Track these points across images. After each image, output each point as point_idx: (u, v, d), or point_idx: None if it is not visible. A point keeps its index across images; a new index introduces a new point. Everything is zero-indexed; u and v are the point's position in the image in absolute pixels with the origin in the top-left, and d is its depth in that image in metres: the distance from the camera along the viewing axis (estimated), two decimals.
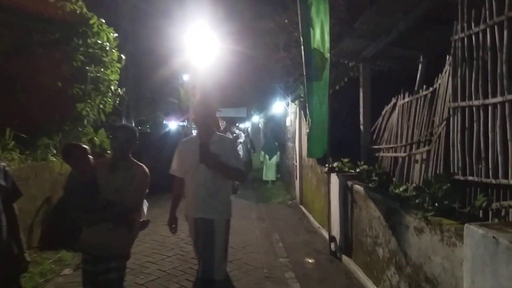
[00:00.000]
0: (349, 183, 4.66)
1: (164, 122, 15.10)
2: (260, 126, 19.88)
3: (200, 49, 11.72)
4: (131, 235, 2.83)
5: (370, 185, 4.84)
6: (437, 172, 4.37)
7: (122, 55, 7.58)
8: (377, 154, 6.08)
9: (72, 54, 6.46)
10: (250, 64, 11.94)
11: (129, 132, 2.87)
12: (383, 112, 6.26)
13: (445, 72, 4.46)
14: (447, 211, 3.00)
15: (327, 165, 5.36)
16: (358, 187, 4.38)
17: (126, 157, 2.83)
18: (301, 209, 7.82)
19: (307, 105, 5.54)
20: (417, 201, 3.23)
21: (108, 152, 8.25)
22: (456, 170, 4.03)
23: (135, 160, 2.89)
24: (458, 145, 3.99)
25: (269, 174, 11.48)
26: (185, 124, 13.85)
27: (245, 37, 10.31)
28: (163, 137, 12.90)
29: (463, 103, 3.94)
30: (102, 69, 6.98)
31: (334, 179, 5.15)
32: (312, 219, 6.84)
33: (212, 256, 3.01)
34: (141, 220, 2.89)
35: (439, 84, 4.62)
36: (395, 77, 6.69)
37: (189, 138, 3.50)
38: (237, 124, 27.65)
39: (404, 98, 5.49)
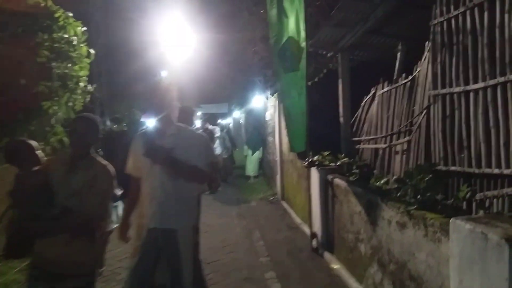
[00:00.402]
0: (330, 177, 4.49)
1: (142, 119, 14.72)
2: (241, 121, 19.62)
3: (177, 44, 11.41)
4: (97, 249, 2.48)
5: (351, 178, 4.69)
6: (418, 163, 4.23)
7: (91, 50, 7.22)
8: (357, 146, 5.93)
9: (36, 50, 6.09)
10: (228, 58, 11.68)
11: (89, 123, 2.45)
12: (363, 103, 6.11)
13: (425, 59, 4.31)
14: (430, 203, 2.85)
15: (307, 159, 5.17)
16: (338, 181, 4.21)
17: (87, 154, 2.45)
18: (283, 205, 7.65)
19: (283, 97, 5.33)
20: (398, 194, 3.06)
21: None
22: (437, 160, 3.89)
23: (98, 158, 2.51)
24: (439, 134, 3.85)
25: (251, 169, 11.30)
26: None
27: (222, 31, 10.03)
28: None
29: (444, 91, 3.79)
30: (69, 65, 6.63)
31: (315, 173, 4.97)
32: (293, 215, 6.66)
33: (180, 270, 2.57)
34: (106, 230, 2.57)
35: (419, 72, 4.47)
36: (375, 68, 6.54)
37: (145, 131, 2.88)
38: (219, 120, 27.31)
39: (383, 87, 5.33)
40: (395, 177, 3.67)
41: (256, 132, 11.53)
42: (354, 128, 6.23)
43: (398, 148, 4.68)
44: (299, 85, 4.89)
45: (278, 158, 8.12)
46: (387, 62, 6.21)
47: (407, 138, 4.49)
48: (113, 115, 11.53)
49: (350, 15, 5.21)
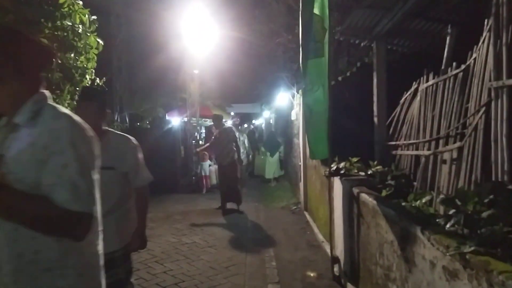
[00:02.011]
0: (355, 190, 3.57)
1: (167, 118, 14.21)
2: (271, 121, 18.77)
3: (200, 37, 10.84)
4: None
5: (383, 192, 3.77)
6: (473, 177, 3.25)
7: (99, 40, 6.63)
8: (394, 152, 4.95)
9: (35, 37, 5.57)
10: (253, 53, 10.93)
11: None
12: (402, 101, 5.13)
13: (483, 42, 3.31)
14: (496, 243, 1.91)
15: (331, 166, 4.26)
16: (365, 197, 3.29)
17: None
18: (306, 217, 6.74)
19: (305, 91, 4.47)
20: (448, 225, 2.14)
21: None
22: (500, 175, 2.91)
23: None
24: (504, 139, 2.88)
25: (270, 171, 10.57)
26: (186, 120, 12.74)
27: (246, 23, 9.28)
28: (164, 135, 11.95)
29: (511, 81, 2.82)
30: (72, 55, 6.08)
31: (337, 184, 4.07)
32: (316, 229, 5.76)
33: None
34: None
35: (475, 59, 3.47)
36: (418, 60, 5.52)
37: None
38: (253, 121, 26.48)
39: (427, 80, 4.34)
40: (441, 196, 2.71)
41: (273, 134, 10.84)
42: (391, 131, 5.25)
43: (446, 156, 3.69)
44: (323, 75, 4.00)
45: (301, 163, 7.22)
46: (432, 53, 5.19)
47: (458, 143, 3.50)
48: (132, 111, 11.06)
49: None
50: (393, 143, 5.05)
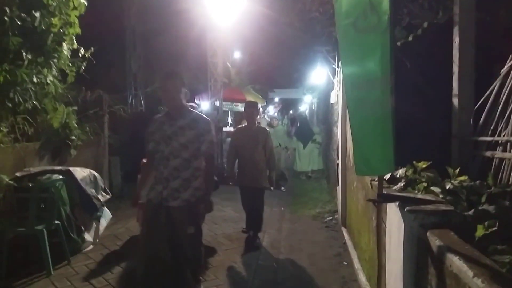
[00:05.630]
0: (435, 240, 1.77)
1: (195, 101, 12.81)
2: (313, 107, 16.84)
3: (229, 11, 9.26)
4: None
5: (481, 228, 2.03)
6: None
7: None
8: (490, 154, 3.07)
9: None
10: (291, 32, 9.18)
11: None
12: (504, 70, 3.20)
13: None
14: None
15: (377, 179, 2.42)
16: (460, 266, 1.49)
17: None
18: (343, 235, 4.95)
19: (341, 52, 2.65)
20: None
21: (73, 138, 6.01)
22: None
23: None
24: None
25: (303, 164, 9.00)
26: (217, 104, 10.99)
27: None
28: None
29: None
30: (37, 14, 4.64)
31: (395, 214, 2.28)
32: (356, 262, 3.97)
33: None
34: None
35: None
36: None
37: None
38: (299, 108, 24.54)
39: None
40: None
41: (306, 121, 9.31)
42: (482, 120, 3.34)
43: None
44: (382, 27, 2.14)
45: (339, 161, 5.42)
46: None
47: None
48: (148, 91, 9.63)
49: None
50: (488, 138, 3.15)
